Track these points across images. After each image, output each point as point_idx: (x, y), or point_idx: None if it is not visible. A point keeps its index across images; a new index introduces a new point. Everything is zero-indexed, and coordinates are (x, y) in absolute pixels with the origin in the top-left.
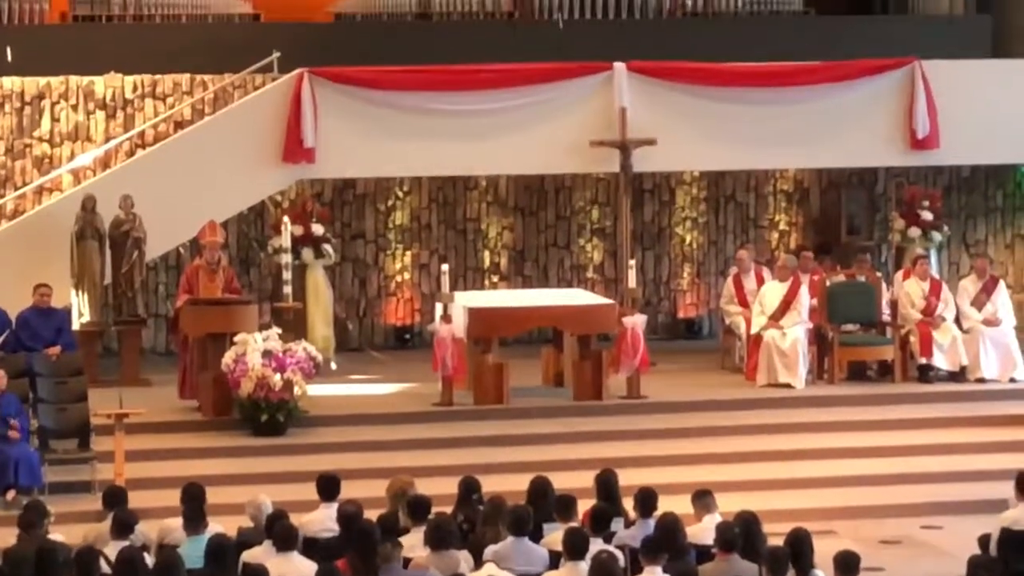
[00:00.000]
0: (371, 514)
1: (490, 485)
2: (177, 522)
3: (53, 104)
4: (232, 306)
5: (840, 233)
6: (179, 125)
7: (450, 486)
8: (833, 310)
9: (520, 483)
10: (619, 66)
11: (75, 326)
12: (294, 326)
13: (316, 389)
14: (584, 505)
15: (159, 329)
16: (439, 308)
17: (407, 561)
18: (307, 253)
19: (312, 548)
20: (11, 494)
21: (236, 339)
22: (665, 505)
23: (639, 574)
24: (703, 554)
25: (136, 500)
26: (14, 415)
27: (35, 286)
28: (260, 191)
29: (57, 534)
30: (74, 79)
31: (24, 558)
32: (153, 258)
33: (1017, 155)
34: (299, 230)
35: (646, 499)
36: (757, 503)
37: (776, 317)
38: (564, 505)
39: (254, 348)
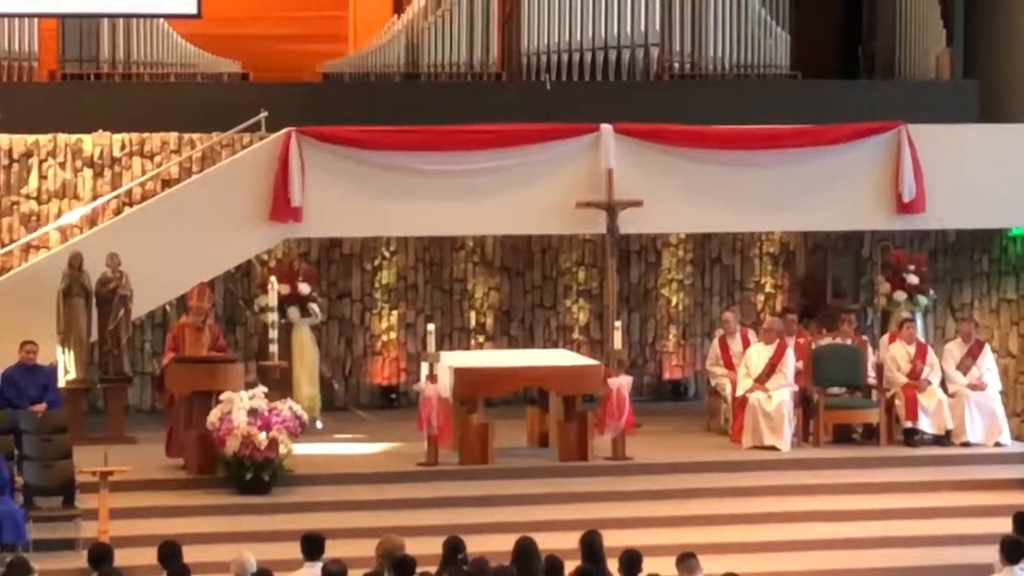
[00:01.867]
0: (355, 574)
1: (475, 545)
2: None
3: (41, 162)
4: (218, 364)
5: (826, 296)
6: (167, 183)
7: (435, 546)
8: (819, 373)
9: (505, 543)
10: (606, 127)
11: (61, 383)
12: (280, 385)
13: (301, 448)
14: (569, 566)
15: (145, 387)
16: (425, 368)
17: None
18: (293, 312)
19: None
20: None
21: (222, 397)
22: (650, 567)
23: None
24: None
25: (121, 558)
26: None
27: (21, 343)
28: (247, 250)
29: None
30: (62, 137)
31: None
32: (139, 316)
33: (1003, 219)
34: (286, 289)
35: (631, 561)
36: (741, 565)
37: (762, 380)
38: (549, 567)
39: (240, 407)
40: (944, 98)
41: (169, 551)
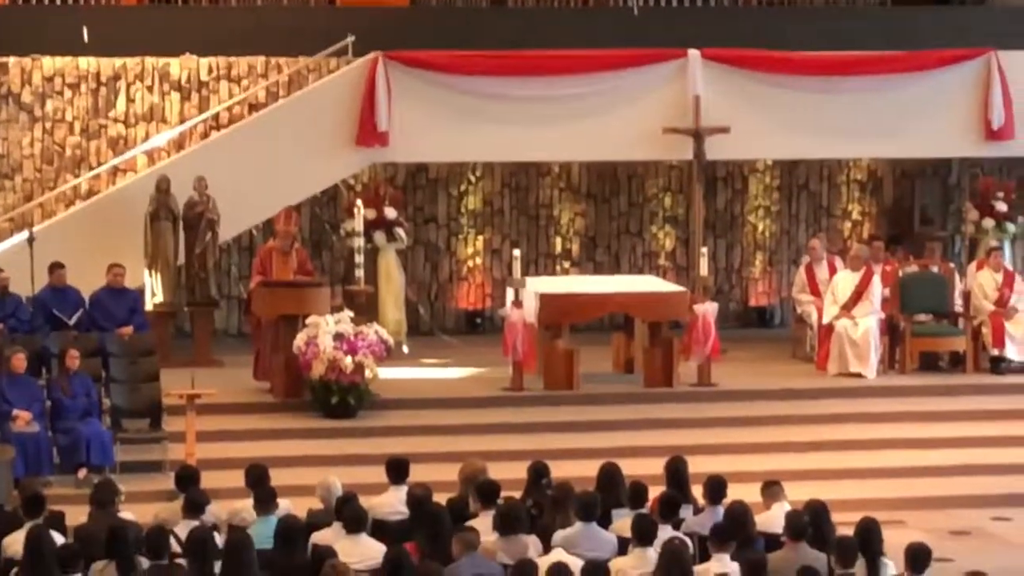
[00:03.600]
0: (440, 497)
1: (559, 471)
2: (247, 503)
3: (128, 85)
4: (304, 288)
5: (913, 223)
6: (253, 108)
7: (519, 471)
8: (905, 300)
9: (589, 469)
10: (693, 53)
11: (148, 307)
12: (366, 309)
13: (387, 372)
14: (653, 492)
15: (232, 310)
16: (510, 293)
17: None
18: (379, 237)
19: (381, 530)
20: (83, 472)
21: (308, 321)
22: (734, 493)
23: (707, 561)
24: (772, 542)
25: (207, 480)
26: (85, 394)
27: (109, 266)
28: (333, 174)
29: (128, 513)
30: (150, 60)
31: (95, 535)
32: (226, 240)
33: None
34: (372, 214)
35: (715, 487)
36: (826, 492)
37: (848, 307)
38: (634, 492)
39: (326, 331)
40: None
41: (257, 474)
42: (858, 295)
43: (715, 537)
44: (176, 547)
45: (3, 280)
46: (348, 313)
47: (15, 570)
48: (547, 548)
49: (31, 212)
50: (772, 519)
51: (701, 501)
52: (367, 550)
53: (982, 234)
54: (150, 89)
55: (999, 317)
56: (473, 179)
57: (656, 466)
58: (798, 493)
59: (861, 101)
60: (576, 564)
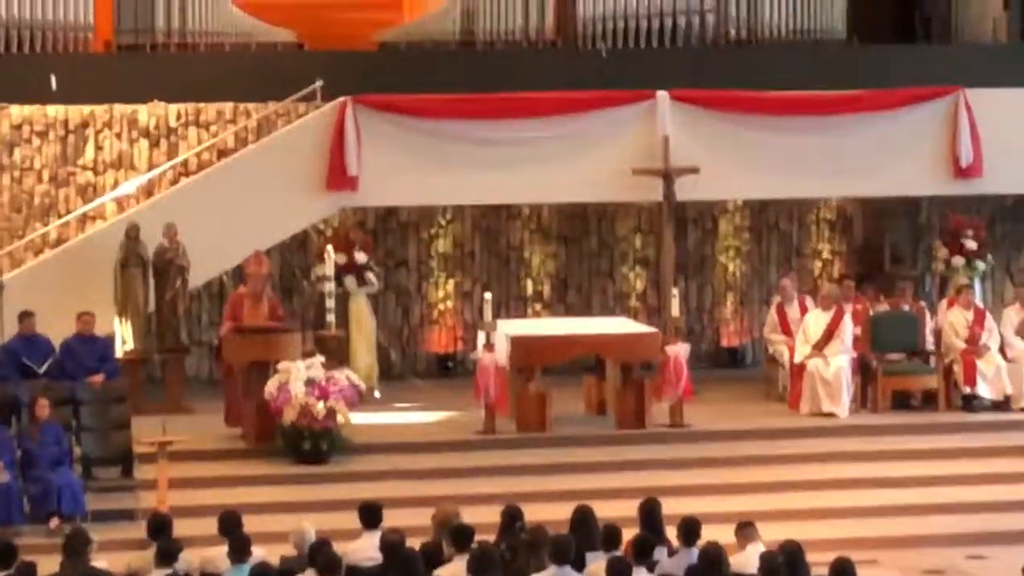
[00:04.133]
0: (413, 542)
1: (533, 514)
2: (220, 551)
3: (97, 132)
4: (276, 334)
5: (884, 262)
6: (223, 153)
7: (492, 515)
8: (877, 339)
9: (563, 512)
10: (662, 94)
11: (118, 354)
12: (337, 354)
13: (359, 417)
14: (627, 534)
15: (202, 357)
16: (482, 336)
17: None
18: (350, 281)
19: None
20: (54, 522)
21: (279, 367)
22: (708, 534)
23: None
24: None
25: (179, 528)
26: (55, 443)
27: (78, 314)
28: (303, 219)
29: (101, 561)
30: (118, 107)
31: None
32: (196, 286)
33: None
34: (342, 258)
35: (689, 528)
36: (800, 532)
37: (820, 346)
38: (607, 534)
39: (297, 376)
40: (1002, 62)
41: (230, 521)
42: (829, 334)
43: None
44: None
45: None
46: (319, 358)
47: None
48: None
49: (0, 261)
50: (747, 560)
51: (675, 543)
52: None
53: (952, 272)
54: (119, 136)
55: (970, 355)
56: (443, 222)
57: (630, 508)
58: (772, 533)
59: (830, 140)
60: None
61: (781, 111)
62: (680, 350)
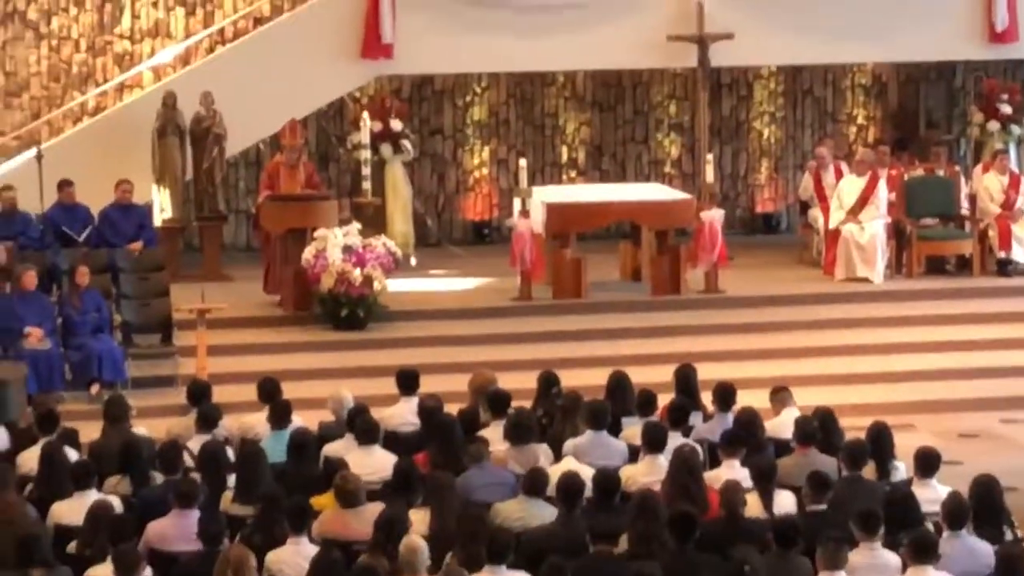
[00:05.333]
0: (450, 408)
1: (569, 380)
2: (260, 417)
3: (133, 1)
4: (312, 201)
5: (918, 127)
6: (258, 21)
7: (529, 381)
8: (911, 204)
9: (599, 378)
10: None
11: (157, 222)
12: (373, 221)
13: (396, 284)
14: (662, 400)
15: (240, 224)
16: (517, 203)
17: None
18: (386, 149)
19: (392, 442)
20: (95, 388)
21: (316, 234)
22: (743, 399)
23: (717, 468)
24: (781, 448)
25: (218, 395)
26: (95, 310)
27: (117, 182)
28: (339, 87)
29: (141, 428)
30: None
31: (109, 451)
32: (233, 154)
33: None
34: (378, 126)
35: (724, 393)
36: (835, 398)
37: (854, 211)
38: (643, 400)
39: (334, 243)
40: None
41: (270, 388)
42: (864, 200)
43: (725, 444)
44: (189, 461)
45: (12, 198)
46: (356, 225)
47: (30, 486)
48: (558, 457)
49: (39, 130)
50: (781, 425)
51: (710, 408)
52: (379, 462)
53: (987, 137)
54: (155, 5)
55: (1005, 220)
56: (479, 90)
57: (665, 374)
58: (807, 398)
59: (864, 4)
60: (587, 472)
61: None
62: (715, 216)
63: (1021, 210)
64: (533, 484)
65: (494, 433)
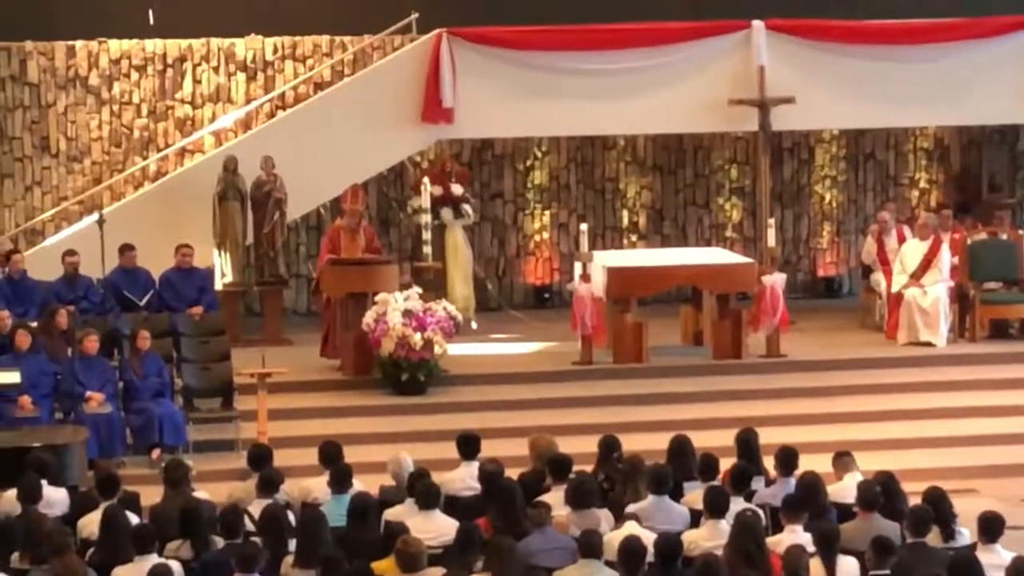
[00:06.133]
0: (511, 472)
1: (630, 444)
2: (321, 481)
3: (195, 66)
4: (373, 266)
5: (981, 190)
6: (319, 87)
7: (590, 445)
8: (974, 268)
9: (660, 442)
10: (757, 24)
11: (217, 286)
12: (434, 286)
13: (456, 348)
14: (724, 464)
15: (300, 289)
16: (578, 267)
17: None
18: (446, 213)
19: (453, 506)
20: (156, 453)
21: (377, 299)
22: (805, 464)
23: (780, 533)
24: (844, 513)
25: (278, 459)
26: (157, 375)
27: (177, 246)
28: (399, 152)
29: (202, 492)
30: (215, 41)
31: (170, 515)
32: (294, 218)
33: None
34: (438, 190)
35: (787, 458)
36: (898, 462)
37: (917, 275)
38: (705, 464)
39: (395, 307)
40: None
41: (331, 451)
42: (927, 263)
43: (787, 508)
44: (250, 526)
45: (75, 263)
46: (416, 290)
47: (91, 550)
48: (619, 521)
49: (100, 194)
50: (844, 489)
51: (772, 472)
52: (440, 526)
53: None
54: (216, 70)
55: None
56: (539, 154)
57: (727, 438)
58: (870, 463)
59: (925, 69)
60: (649, 537)
61: (877, 39)
62: (776, 280)
63: None
64: (588, 545)
65: (555, 498)
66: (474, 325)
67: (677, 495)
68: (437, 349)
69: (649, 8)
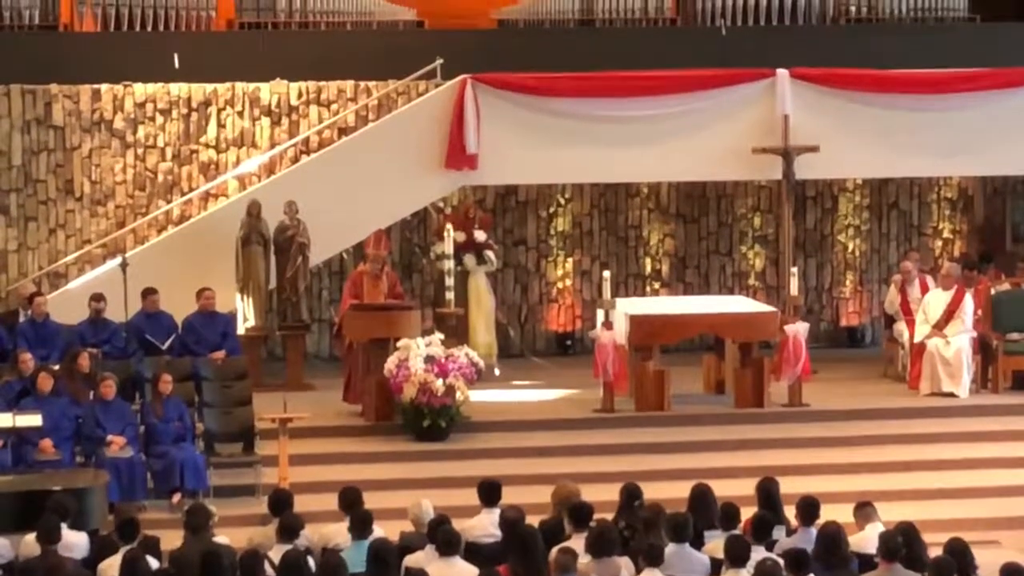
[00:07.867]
0: (532, 520)
1: (651, 492)
2: (341, 527)
3: (219, 111)
4: (395, 311)
5: (1005, 241)
6: (343, 131)
7: (611, 493)
8: (997, 319)
9: (681, 490)
10: (782, 72)
11: (240, 331)
12: (456, 332)
13: (478, 395)
14: (745, 513)
15: (323, 334)
16: (600, 314)
17: None
18: (469, 259)
19: (474, 553)
20: (177, 497)
21: (399, 344)
22: (827, 514)
23: None
24: (866, 563)
25: (299, 504)
26: (178, 419)
27: (199, 290)
28: (423, 197)
29: (222, 537)
30: (240, 86)
31: (190, 560)
32: (317, 264)
33: None
34: (461, 236)
35: (808, 508)
36: (920, 513)
37: (940, 326)
38: (726, 513)
39: (417, 353)
40: None
41: (351, 497)
42: (950, 314)
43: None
44: (270, 571)
45: (99, 307)
46: (439, 336)
47: None
48: (640, 570)
49: (124, 238)
50: (866, 540)
51: (794, 522)
52: (460, 573)
53: None
54: (240, 114)
55: None
56: (562, 201)
57: (748, 487)
58: (891, 513)
59: (951, 118)
60: None
61: (901, 89)
62: (799, 329)
63: None
64: None
65: (576, 545)
66: (496, 372)
67: (698, 544)
68: (459, 395)
69: (674, 55)
